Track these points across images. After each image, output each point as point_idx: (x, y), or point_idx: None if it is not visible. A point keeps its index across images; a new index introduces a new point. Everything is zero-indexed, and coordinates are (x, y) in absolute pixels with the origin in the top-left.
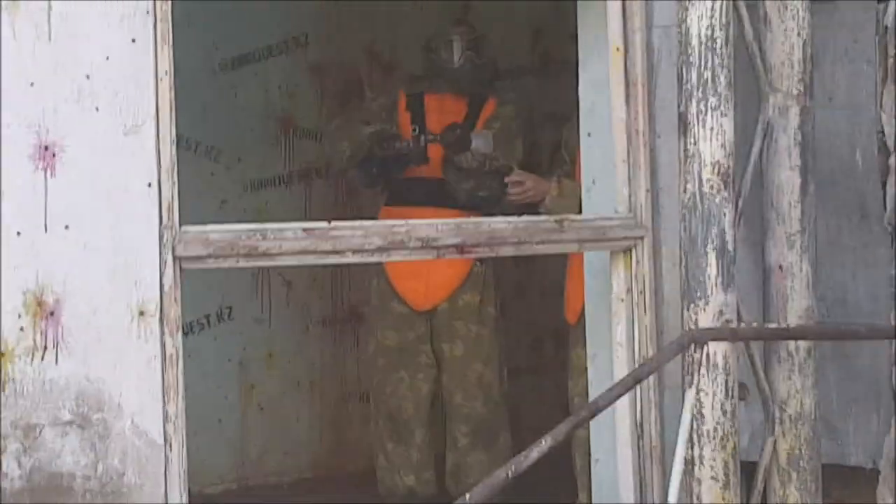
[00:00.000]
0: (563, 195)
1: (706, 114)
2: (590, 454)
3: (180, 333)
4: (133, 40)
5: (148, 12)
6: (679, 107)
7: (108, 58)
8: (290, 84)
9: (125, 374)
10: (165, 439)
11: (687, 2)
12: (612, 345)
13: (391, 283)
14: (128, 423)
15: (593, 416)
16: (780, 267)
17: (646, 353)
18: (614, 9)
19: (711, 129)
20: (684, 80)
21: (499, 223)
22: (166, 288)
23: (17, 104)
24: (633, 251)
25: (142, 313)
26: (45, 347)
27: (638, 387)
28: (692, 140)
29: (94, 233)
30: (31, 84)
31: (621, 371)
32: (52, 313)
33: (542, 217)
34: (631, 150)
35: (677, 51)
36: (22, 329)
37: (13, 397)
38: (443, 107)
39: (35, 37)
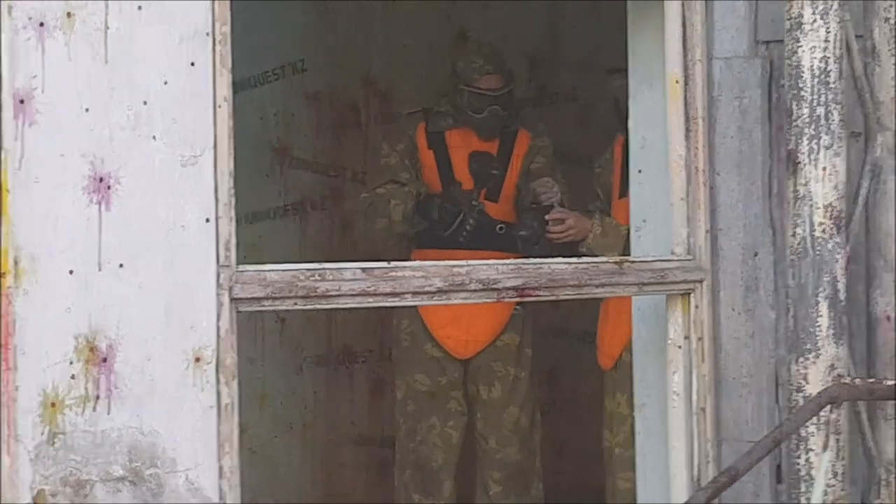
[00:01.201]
0: (606, 234)
1: (818, 153)
2: None
3: (236, 382)
4: (192, 64)
5: (207, 34)
6: (788, 144)
7: (165, 82)
8: (286, 112)
9: (180, 426)
10: (221, 496)
11: (798, 32)
12: (668, 394)
13: (427, 328)
14: (182, 479)
15: (732, 482)
16: (889, 318)
17: (703, 403)
18: (674, 38)
19: (824, 168)
20: (794, 116)
21: (559, 265)
22: (222, 332)
23: (72, 131)
24: (692, 295)
25: (197, 360)
26: (98, 397)
27: (695, 440)
28: (803, 181)
29: (150, 272)
30: (87, 110)
31: (678, 422)
32: (104, 359)
33: (602, 259)
34: (690, 189)
35: (748, 83)
36: (73, 377)
37: (63, 451)
38: (468, 142)
39: (91, 58)
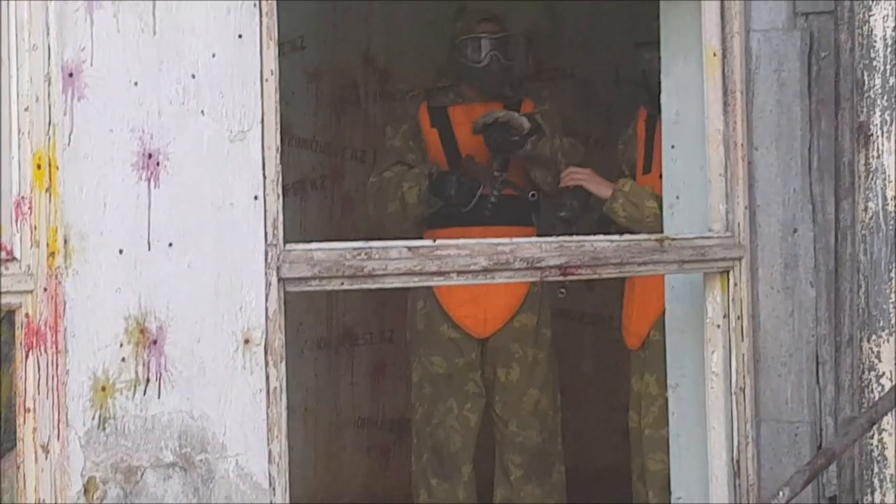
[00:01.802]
0: (634, 194)
1: (891, 124)
2: (668, 491)
3: (284, 364)
4: (240, 36)
5: (255, 5)
6: (859, 116)
7: (213, 55)
8: (286, 90)
9: (229, 410)
10: (270, 482)
11: (871, 1)
12: (706, 373)
13: (443, 308)
14: (232, 464)
15: (829, 463)
16: None
17: (742, 383)
18: (712, 10)
19: None
20: (866, 87)
21: (601, 242)
22: (271, 313)
23: (121, 106)
24: (731, 273)
25: (247, 342)
26: (148, 380)
27: (735, 419)
28: (875, 153)
29: (199, 251)
30: (135, 83)
31: (717, 402)
32: (154, 341)
33: (643, 236)
34: (728, 164)
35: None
36: (123, 360)
37: (114, 437)
38: (472, 116)
39: (139, 30)
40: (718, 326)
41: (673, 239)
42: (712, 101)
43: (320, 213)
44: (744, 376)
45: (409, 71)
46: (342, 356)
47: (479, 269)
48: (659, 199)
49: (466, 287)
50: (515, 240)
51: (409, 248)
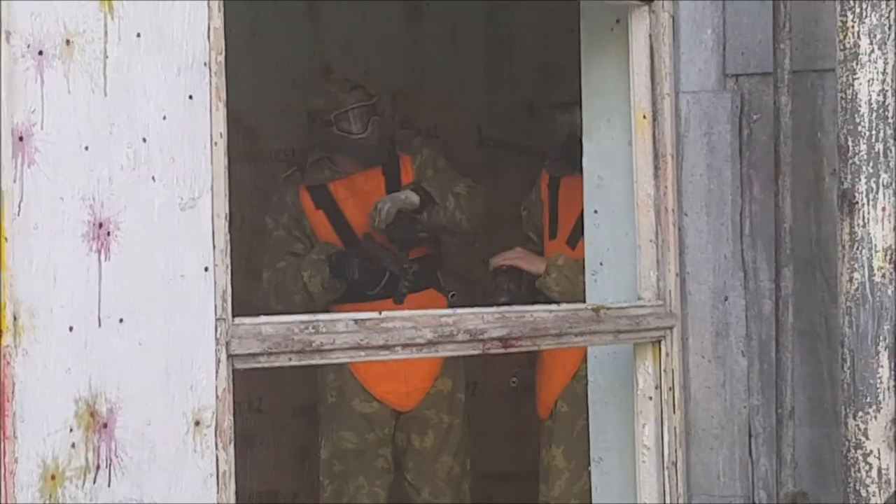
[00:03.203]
0: (566, 269)
1: (877, 192)
2: None
3: (233, 446)
4: (190, 97)
5: (205, 64)
6: (842, 183)
7: (164, 117)
8: None
9: (180, 498)
10: None
11: (854, 63)
12: (637, 447)
13: (359, 383)
14: None
15: None
16: None
17: (674, 457)
18: (641, 71)
19: (884, 209)
20: (850, 153)
21: (540, 312)
22: (220, 392)
23: (71, 172)
24: (663, 343)
25: (197, 423)
26: (98, 467)
27: (667, 495)
28: (861, 222)
29: (150, 327)
30: (86, 148)
31: (649, 478)
32: (105, 425)
33: (580, 305)
34: (659, 230)
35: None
36: (73, 445)
37: None
38: (355, 188)
39: (90, 91)
40: (650, 398)
41: (608, 308)
42: (642, 164)
43: None
44: (676, 450)
45: (275, 130)
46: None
47: (424, 341)
48: None
49: (382, 362)
50: (458, 311)
51: (356, 321)
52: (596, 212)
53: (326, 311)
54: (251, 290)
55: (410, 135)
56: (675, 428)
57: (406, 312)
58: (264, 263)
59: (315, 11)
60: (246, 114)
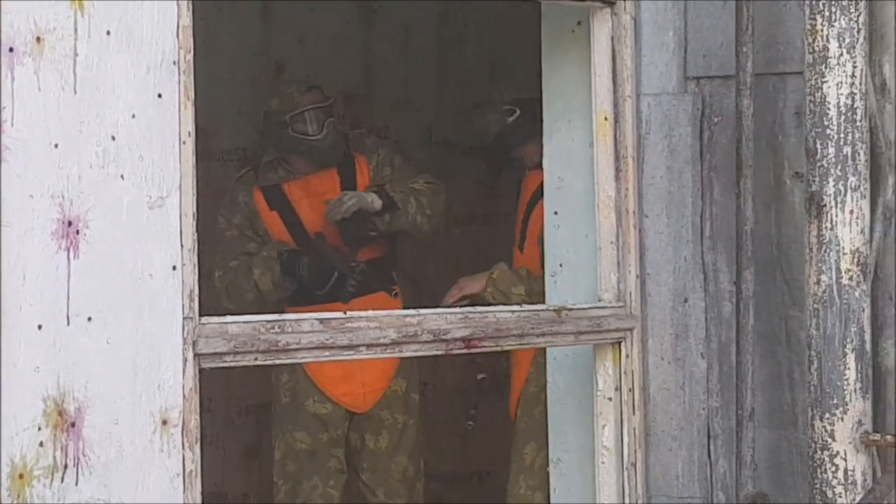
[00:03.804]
0: (500, 283)
1: (846, 195)
2: None
3: (199, 446)
4: (159, 95)
5: (174, 62)
6: (811, 186)
7: (133, 115)
8: None
9: (147, 497)
10: None
11: (823, 67)
12: (597, 448)
13: (313, 383)
14: None
15: None
16: None
17: (633, 458)
18: (604, 73)
19: (851, 212)
20: (819, 156)
21: (503, 313)
22: (187, 392)
23: (41, 170)
24: (623, 344)
25: (164, 422)
26: (66, 466)
27: (626, 496)
28: (828, 224)
29: (118, 325)
30: (56, 145)
31: (608, 479)
32: (73, 424)
33: (542, 306)
34: (620, 232)
35: (670, 122)
36: (41, 444)
37: None
38: (310, 189)
39: (60, 88)
40: (610, 399)
41: (570, 309)
42: (603, 166)
43: None
44: (635, 451)
45: (229, 130)
46: None
47: (388, 341)
48: (531, 282)
49: (339, 363)
50: (422, 311)
51: (321, 321)
52: (556, 213)
53: (280, 311)
54: (202, 290)
55: (364, 135)
56: (634, 429)
57: (371, 312)
58: (216, 263)
59: (268, 11)
60: (198, 113)
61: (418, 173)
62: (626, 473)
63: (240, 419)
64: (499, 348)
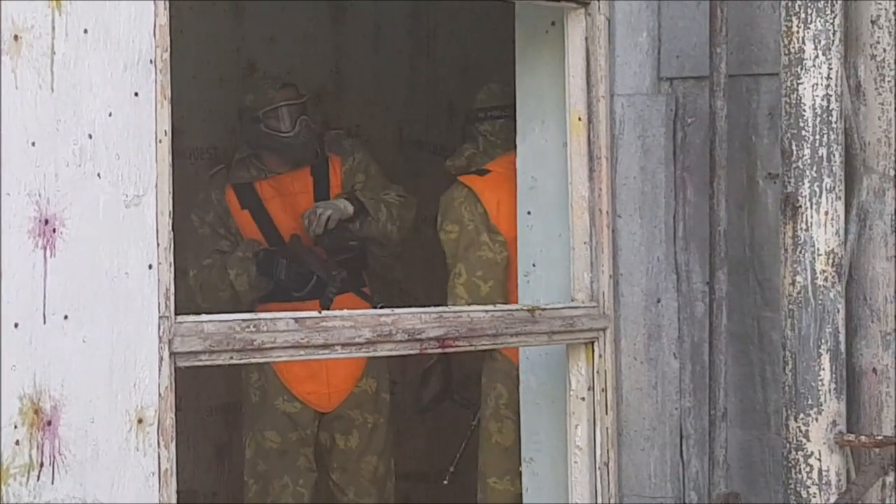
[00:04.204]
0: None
1: (820, 196)
2: None
3: (174, 445)
4: (136, 94)
5: (151, 61)
6: (786, 187)
7: (110, 114)
8: None
9: (123, 495)
10: None
11: (798, 68)
12: (569, 448)
13: (281, 382)
14: None
15: None
16: (875, 370)
17: (606, 458)
18: (577, 73)
19: (826, 213)
20: (794, 157)
21: (477, 312)
22: (162, 390)
23: (18, 168)
24: (596, 344)
25: (140, 421)
26: (42, 464)
27: (599, 496)
28: (804, 225)
29: (94, 324)
30: (33, 144)
31: (581, 478)
32: (49, 422)
33: (516, 306)
34: (594, 232)
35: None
36: (18, 443)
37: None
38: (282, 188)
39: (37, 86)
40: (583, 399)
41: (543, 309)
42: (577, 166)
43: None
44: (608, 451)
45: (200, 128)
46: None
47: (363, 341)
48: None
49: (305, 362)
50: (397, 311)
51: (296, 320)
52: (529, 213)
53: (252, 309)
54: (177, 288)
55: (341, 136)
56: (607, 429)
57: (346, 312)
58: (189, 261)
59: (239, 9)
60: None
61: (391, 183)
62: (598, 473)
63: (210, 418)
64: (473, 348)
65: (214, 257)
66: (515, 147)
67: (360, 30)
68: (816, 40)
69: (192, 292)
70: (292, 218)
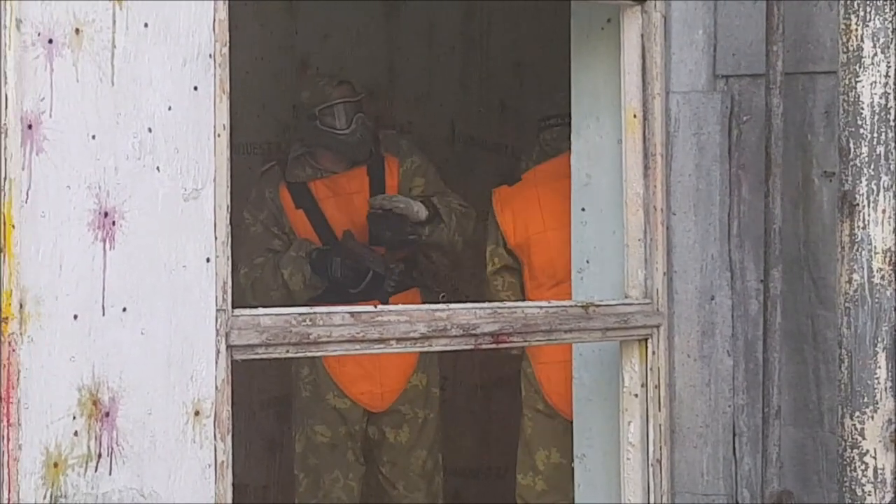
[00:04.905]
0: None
1: (878, 194)
2: None
3: (230, 437)
4: (195, 88)
5: (210, 55)
6: (843, 185)
7: (170, 108)
8: None
9: (179, 488)
10: None
11: (857, 66)
12: (622, 445)
13: (330, 378)
14: None
15: None
16: None
17: (659, 454)
18: (633, 71)
19: (884, 211)
20: (852, 155)
21: (531, 308)
22: (219, 383)
23: (78, 161)
24: (650, 341)
25: (197, 413)
26: (100, 455)
27: (651, 493)
28: (861, 223)
29: (152, 316)
30: (93, 137)
31: (634, 475)
32: (107, 413)
33: (570, 302)
34: (648, 229)
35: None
36: (76, 434)
37: None
38: (337, 188)
39: (98, 80)
40: (636, 396)
41: (597, 305)
42: (632, 164)
43: None
44: (661, 447)
45: (252, 124)
46: None
47: (418, 335)
48: None
49: (358, 361)
50: (452, 306)
51: (352, 314)
52: (583, 209)
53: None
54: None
55: (397, 136)
56: (660, 426)
57: (400, 307)
58: (240, 258)
59: (293, 6)
60: None
61: (448, 189)
62: (651, 470)
63: (261, 412)
64: (527, 344)
65: (267, 256)
66: (566, 150)
67: (413, 27)
68: (875, 38)
69: (242, 290)
70: (347, 218)
